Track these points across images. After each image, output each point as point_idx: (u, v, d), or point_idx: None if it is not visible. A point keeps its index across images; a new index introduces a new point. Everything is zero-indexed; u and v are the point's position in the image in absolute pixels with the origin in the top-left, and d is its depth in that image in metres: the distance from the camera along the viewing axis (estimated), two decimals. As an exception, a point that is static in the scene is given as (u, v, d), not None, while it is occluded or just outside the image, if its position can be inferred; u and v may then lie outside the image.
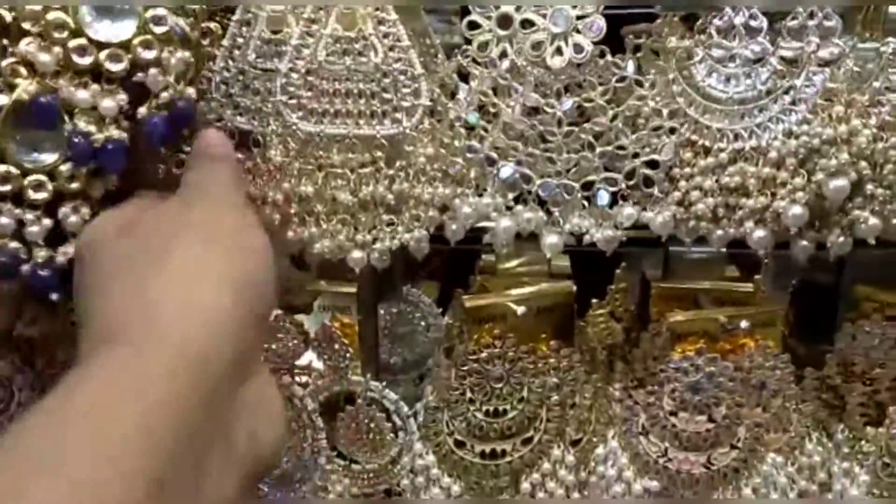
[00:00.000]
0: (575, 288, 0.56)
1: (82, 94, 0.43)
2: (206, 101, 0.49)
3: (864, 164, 0.43)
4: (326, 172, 0.47)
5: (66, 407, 0.30)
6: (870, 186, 0.43)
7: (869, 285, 0.58)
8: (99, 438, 0.29)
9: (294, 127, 0.46)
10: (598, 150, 0.47)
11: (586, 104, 0.47)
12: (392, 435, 0.56)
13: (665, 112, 0.47)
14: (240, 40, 0.48)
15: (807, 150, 0.44)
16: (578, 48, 0.46)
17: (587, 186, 0.48)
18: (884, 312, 0.56)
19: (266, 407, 0.39)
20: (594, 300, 0.67)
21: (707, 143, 0.47)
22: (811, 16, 0.45)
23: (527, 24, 0.46)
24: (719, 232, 0.47)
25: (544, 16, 0.46)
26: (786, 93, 0.45)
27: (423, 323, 0.68)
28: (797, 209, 0.44)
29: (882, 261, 0.58)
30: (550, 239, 0.48)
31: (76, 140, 0.43)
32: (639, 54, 0.48)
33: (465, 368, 0.53)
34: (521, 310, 0.53)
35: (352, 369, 0.56)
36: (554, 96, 0.47)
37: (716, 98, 0.47)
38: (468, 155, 0.48)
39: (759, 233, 0.45)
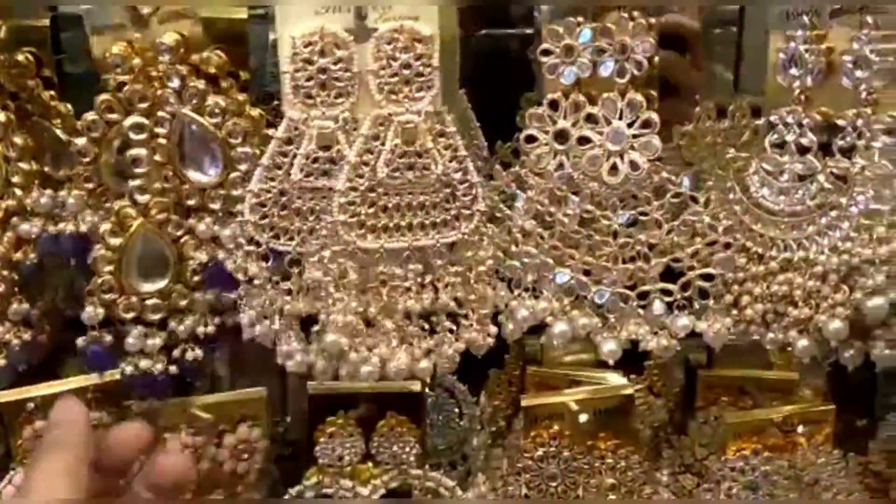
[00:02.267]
0: (632, 389, 0.58)
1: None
2: (238, 224, 0.50)
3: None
4: (389, 286, 0.48)
5: None
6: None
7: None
8: None
9: (352, 246, 0.47)
10: (654, 261, 0.49)
11: (642, 217, 0.49)
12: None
13: (720, 228, 0.48)
14: (281, 159, 0.48)
15: (848, 267, 0.45)
16: (634, 166, 0.48)
17: (643, 295, 0.50)
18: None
19: None
20: (631, 376, 0.69)
21: (760, 251, 0.49)
22: (860, 136, 0.47)
23: (584, 140, 0.48)
24: (770, 335, 0.49)
25: (601, 133, 0.48)
26: (832, 209, 0.47)
27: (456, 409, 0.69)
28: (837, 324, 0.46)
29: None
30: (608, 346, 0.50)
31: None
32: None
33: (520, 465, 0.54)
34: (583, 416, 0.54)
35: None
36: (610, 209, 0.49)
37: (768, 209, 0.49)
38: (525, 260, 0.50)
39: (803, 342, 0.47)
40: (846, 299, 0.46)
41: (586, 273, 0.50)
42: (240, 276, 0.50)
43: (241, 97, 0.51)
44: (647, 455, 0.64)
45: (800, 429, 0.54)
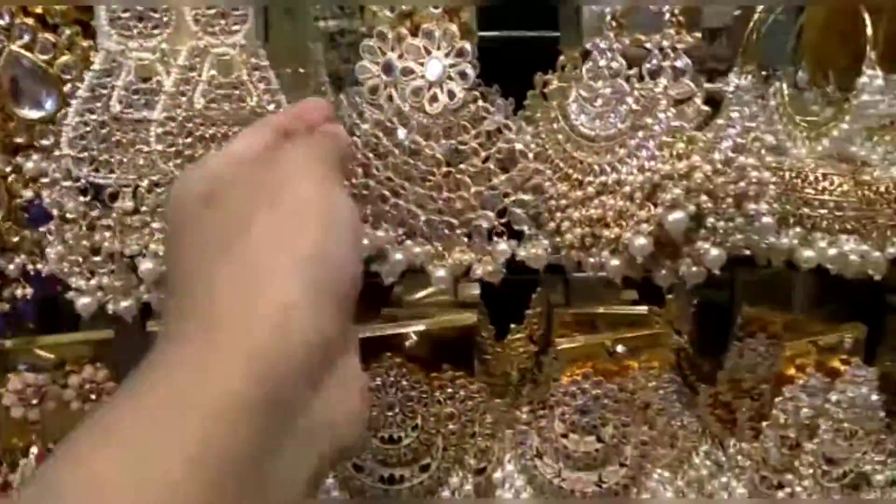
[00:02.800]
0: (475, 318, 0.58)
1: None
2: (53, 160, 0.50)
3: (704, 197, 0.45)
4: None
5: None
6: (711, 219, 0.46)
7: (755, 306, 0.60)
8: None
9: (169, 175, 0.48)
10: (473, 189, 0.50)
11: (461, 146, 0.50)
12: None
13: (531, 154, 0.49)
14: (100, 91, 0.49)
15: (651, 184, 0.46)
16: (451, 95, 0.48)
17: (467, 223, 0.51)
18: (767, 331, 0.59)
19: (347, 389, 0.35)
20: (513, 325, 0.70)
21: (580, 177, 0.50)
22: (665, 58, 0.48)
23: (407, 71, 0.49)
24: (591, 260, 0.50)
25: (422, 64, 0.49)
26: (640, 130, 0.48)
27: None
28: (641, 240, 0.46)
29: (767, 282, 0.61)
30: (438, 273, 0.51)
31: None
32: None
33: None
34: (410, 341, 0.55)
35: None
36: (433, 139, 0.50)
37: (586, 135, 0.50)
38: (364, 192, 0.51)
39: (614, 262, 0.48)
40: (650, 216, 0.47)
41: (418, 204, 0.50)
42: (54, 212, 0.50)
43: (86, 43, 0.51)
44: (513, 395, 0.66)
45: (619, 348, 0.55)
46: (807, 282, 0.63)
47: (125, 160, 0.49)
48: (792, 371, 0.54)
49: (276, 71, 0.51)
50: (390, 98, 0.49)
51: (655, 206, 0.47)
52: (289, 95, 0.50)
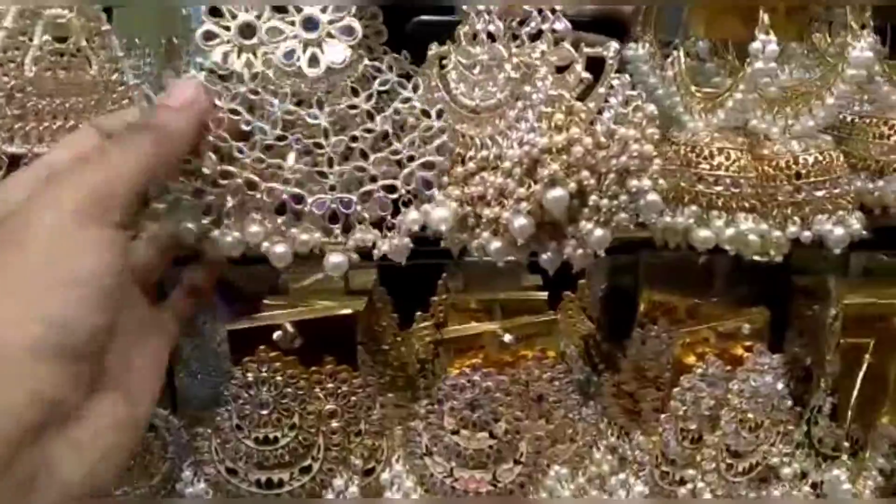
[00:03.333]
0: (360, 307, 0.54)
1: None
2: None
3: (586, 173, 0.42)
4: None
5: None
6: (594, 197, 0.42)
7: (660, 290, 0.57)
8: None
9: None
10: (372, 157, 0.44)
11: (352, 111, 0.44)
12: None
13: (433, 112, 0.44)
14: None
15: (530, 158, 0.42)
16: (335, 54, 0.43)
17: (366, 197, 0.45)
18: (671, 316, 0.56)
19: (96, 433, 0.36)
20: (419, 313, 0.66)
21: (461, 152, 0.46)
22: (544, 20, 0.44)
23: (275, 32, 0.43)
24: (474, 242, 0.46)
25: (293, 23, 0.43)
26: (518, 100, 0.44)
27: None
28: (522, 220, 0.42)
29: (672, 265, 0.58)
30: (334, 259, 0.45)
31: None
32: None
33: (227, 394, 0.50)
34: (277, 333, 0.50)
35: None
36: (316, 106, 0.44)
37: (466, 106, 0.46)
38: (222, 181, 0.43)
39: (495, 244, 0.44)
40: (529, 194, 0.43)
41: (300, 185, 0.43)
42: None
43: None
44: (412, 388, 0.62)
45: (506, 337, 0.51)
46: (716, 264, 0.60)
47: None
48: (691, 359, 0.51)
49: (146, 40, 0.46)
50: (249, 65, 0.43)
51: (535, 182, 0.43)
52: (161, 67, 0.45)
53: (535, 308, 0.57)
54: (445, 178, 0.45)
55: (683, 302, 0.56)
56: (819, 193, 0.47)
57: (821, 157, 0.48)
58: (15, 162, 0.44)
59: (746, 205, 0.47)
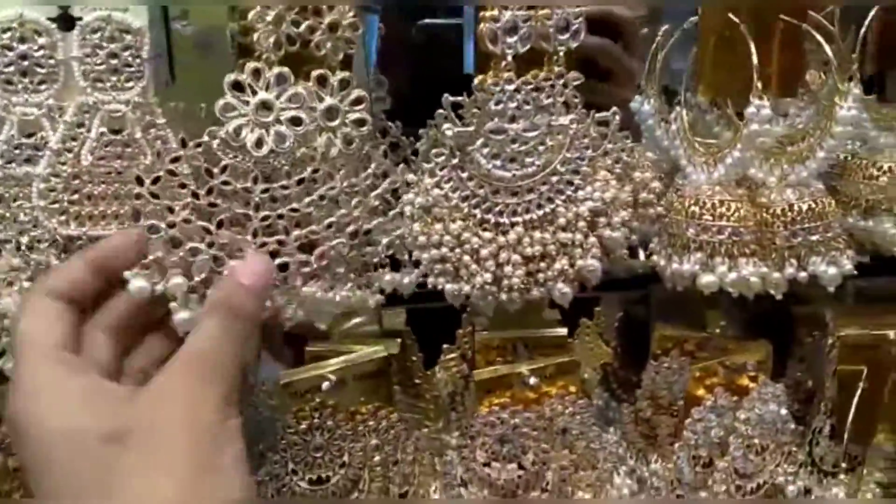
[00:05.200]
0: (393, 349, 0.59)
1: None
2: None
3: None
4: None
5: None
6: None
7: (670, 321, 0.62)
8: None
9: (54, 231, 0.48)
10: (294, 234, 0.49)
11: (282, 191, 0.48)
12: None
13: (353, 201, 0.50)
14: None
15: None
16: (280, 138, 0.47)
17: (283, 267, 0.49)
18: (682, 348, 0.60)
19: None
20: (445, 346, 0.71)
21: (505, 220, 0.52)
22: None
23: (228, 108, 0.46)
24: (534, 292, 0.52)
25: (246, 102, 0.46)
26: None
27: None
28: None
29: (681, 297, 0.62)
30: (181, 315, 0.46)
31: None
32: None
33: (283, 442, 0.55)
34: (325, 384, 0.55)
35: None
36: (251, 181, 0.47)
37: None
38: (152, 236, 0.46)
39: (566, 290, 0.52)
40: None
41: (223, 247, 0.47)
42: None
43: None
44: (445, 419, 0.67)
45: (531, 380, 0.55)
46: (723, 297, 0.64)
47: (7, 215, 0.49)
48: (701, 391, 0.55)
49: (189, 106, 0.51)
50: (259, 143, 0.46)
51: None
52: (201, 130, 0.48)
53: (557, 343, 0.62)
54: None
55: (693, 335, 0.60)
56: (813, 237, 0.52)
57: (814, 205, 0.52)
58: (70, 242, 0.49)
59: (747, 250, 0.52)
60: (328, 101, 0.48)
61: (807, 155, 0.52)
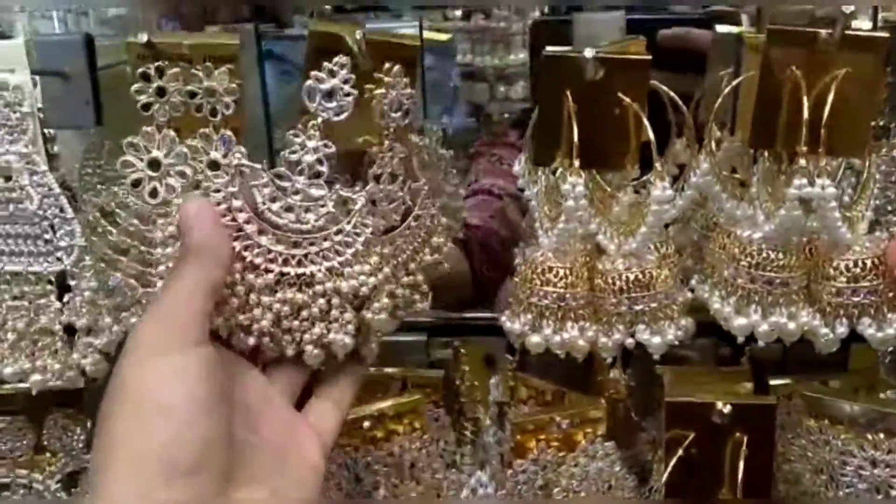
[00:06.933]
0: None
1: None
2: None
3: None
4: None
5: None
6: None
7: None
8: None
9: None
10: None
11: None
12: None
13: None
14: None
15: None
16: (170, 189, 0.49)
17: None
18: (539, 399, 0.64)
19: None
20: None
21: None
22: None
23: (128, 164, 0.48)
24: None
25: (142, 159, 0.48)
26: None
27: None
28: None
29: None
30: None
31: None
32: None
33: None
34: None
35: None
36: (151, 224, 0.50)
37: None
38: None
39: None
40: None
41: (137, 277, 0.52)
42: None
43: None
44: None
45: (365, 424, 0.60)
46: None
47: None
48: (532, 444, 0.58)
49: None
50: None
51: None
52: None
53: (426, 382, 0.67)
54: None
55: (551, 388, 0.63)
56: (637, 307, 0.54)
57: (641, 276, 0.54)
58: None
59: (573, 315, 0.55)
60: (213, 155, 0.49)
61: (638, 225, 0.55)
